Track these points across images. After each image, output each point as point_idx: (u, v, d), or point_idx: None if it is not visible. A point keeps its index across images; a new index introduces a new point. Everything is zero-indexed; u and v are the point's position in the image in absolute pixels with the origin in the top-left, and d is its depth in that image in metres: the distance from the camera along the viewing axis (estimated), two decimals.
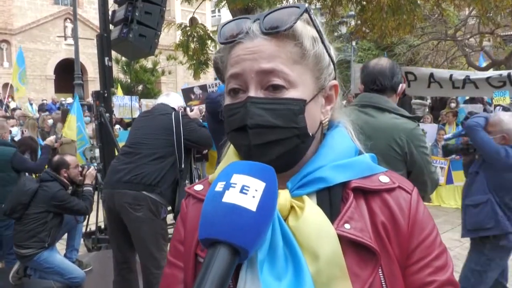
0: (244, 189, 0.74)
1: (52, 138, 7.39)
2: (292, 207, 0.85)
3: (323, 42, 0.90)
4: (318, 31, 0.89)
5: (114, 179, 3.62)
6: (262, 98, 0.84)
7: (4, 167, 4.97)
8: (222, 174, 0.79)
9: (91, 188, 4.59)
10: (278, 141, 0.84)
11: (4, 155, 5.04)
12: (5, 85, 14.60)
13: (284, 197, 0.85)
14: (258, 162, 0.82)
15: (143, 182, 3.53)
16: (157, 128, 3.74)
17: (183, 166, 3.72)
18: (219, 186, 0.76)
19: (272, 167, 0.81)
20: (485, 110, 11.37)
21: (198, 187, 1.00)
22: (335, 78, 0.95)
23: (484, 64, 16.85)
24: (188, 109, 4.13)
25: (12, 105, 16.98)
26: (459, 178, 8.06)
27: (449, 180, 8.52)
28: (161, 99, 4.13)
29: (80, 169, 4.71)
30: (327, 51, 0.92)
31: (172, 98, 4.11)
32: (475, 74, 10.99)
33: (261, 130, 0.83)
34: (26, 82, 13.69)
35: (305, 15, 0.88)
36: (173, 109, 3.92)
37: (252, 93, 0.84)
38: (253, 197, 0.74)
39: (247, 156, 0.86)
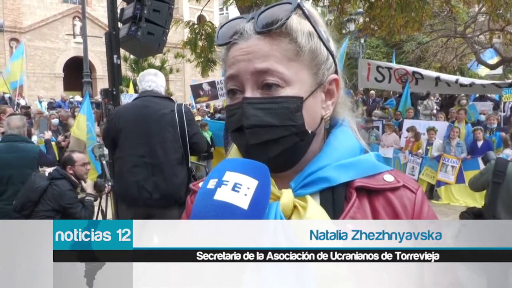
0: (236, 187, 0.75)
1: (49, 133, 7.48)
2: (295, 207, 0.85)
3: (319, 36, 0.88)
4: (313, 25, 0.88)
5: None
6: (257, 98, 0.84)
7: (31, 164, 4.92)
8: (215, 171, 0.80)
9: (92, 198, 4.46)
10: (275, 140, 0.84)
11: (31, 151, 4.99)
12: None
13: (287, 196, 0.85)
14: (256, 160, 0.82)
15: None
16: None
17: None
18: (211, 184, 0.77)
19: (267, 165, 0.82)
20: (495, 107, 11.29)
21: None
22: (336, 72, 0.93)
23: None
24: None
25: (22, 102, 17.04)
26: None
27: (460, 179, 8.47)
28: (149, 80, 3.78)
29: (88, 167, 4.68)
30: (324, 45, 0.90)
31: (161, 79, 3.83)
32: (480, 81, 11.04)
33: (257, 129, 0.83)
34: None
35: (301, 9, 0.87)
36: (167, 98, 3.80)
37: (248, 93, 0.85)
38: (245, 195, 0.74)
39: (247, 155, 0.87)
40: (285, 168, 0.88)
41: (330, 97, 0.93)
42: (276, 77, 0.83)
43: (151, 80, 3.77)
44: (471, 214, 3.84)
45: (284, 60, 0.84)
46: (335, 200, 0.86)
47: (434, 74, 11.62)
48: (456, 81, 10.81)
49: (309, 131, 0.87)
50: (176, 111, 3.64)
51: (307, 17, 0.87)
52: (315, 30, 0.88)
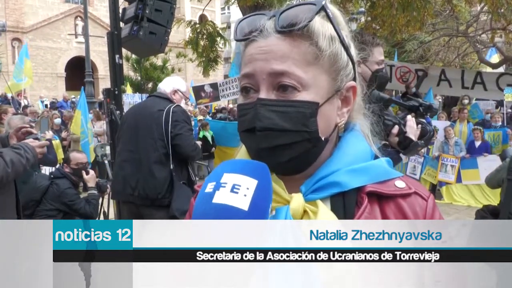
0: (235, 188, 0.74)
1: (50, 132, 7.52)
2: (305, 212, 0.84)
3: (341, 41, 0.86)
4: (336, 29, 0.85)
5: None
6: (272, 100, 0.82)
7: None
8: (213, 174, 0.78)
9: (95, 192, 4.41)
10: (287, 145, 0.82)
11: None
12: None
13: (297, 201, 0.83)
14: (266, 164, 0.81)
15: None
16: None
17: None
18: (209, 187, 0.76)
19: (277, 168, 0.81)
20: (497, 106, 11.27)
21: None
22: (354, 79, 0.90)
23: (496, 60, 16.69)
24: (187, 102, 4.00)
25: (24, 102, 17.05)
26: (468, 176, 7.99)
27: (459, 179, 8.48)
28: (163, 81, 3.98)
29: (90, 172, 4.52)
30: (346, 50, 0.87)
31: (172, 80, 3.88)
32: (486, 74, 10.96)
33: (270, 133, 0.81)
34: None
35: (325, 12, 0.84)
36: (166, 98, 3.75)
37: (263, 94, 0.82)
38: (245, 195, 0.73)
39: (257, 158, 0.84)
40: (295, 172, 0.87)
41: (346, 105, 0.90)
42: (293, 80, 0.81)
43: (164, 81, 3.90)
44: (487, 212, 3.83)
45: (303, 63, 0.82)
46: (346, 205, 0.85)
47: (439, 70, 11.57)
48: (462, 77, 10.78)
49: (322, 138, 0.85)
50: (165, 110, 3.60)
51: (330, 20, 0.84)
52: (338, 34, 0.86)
